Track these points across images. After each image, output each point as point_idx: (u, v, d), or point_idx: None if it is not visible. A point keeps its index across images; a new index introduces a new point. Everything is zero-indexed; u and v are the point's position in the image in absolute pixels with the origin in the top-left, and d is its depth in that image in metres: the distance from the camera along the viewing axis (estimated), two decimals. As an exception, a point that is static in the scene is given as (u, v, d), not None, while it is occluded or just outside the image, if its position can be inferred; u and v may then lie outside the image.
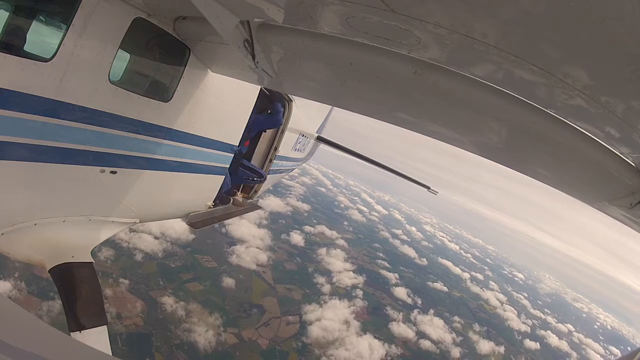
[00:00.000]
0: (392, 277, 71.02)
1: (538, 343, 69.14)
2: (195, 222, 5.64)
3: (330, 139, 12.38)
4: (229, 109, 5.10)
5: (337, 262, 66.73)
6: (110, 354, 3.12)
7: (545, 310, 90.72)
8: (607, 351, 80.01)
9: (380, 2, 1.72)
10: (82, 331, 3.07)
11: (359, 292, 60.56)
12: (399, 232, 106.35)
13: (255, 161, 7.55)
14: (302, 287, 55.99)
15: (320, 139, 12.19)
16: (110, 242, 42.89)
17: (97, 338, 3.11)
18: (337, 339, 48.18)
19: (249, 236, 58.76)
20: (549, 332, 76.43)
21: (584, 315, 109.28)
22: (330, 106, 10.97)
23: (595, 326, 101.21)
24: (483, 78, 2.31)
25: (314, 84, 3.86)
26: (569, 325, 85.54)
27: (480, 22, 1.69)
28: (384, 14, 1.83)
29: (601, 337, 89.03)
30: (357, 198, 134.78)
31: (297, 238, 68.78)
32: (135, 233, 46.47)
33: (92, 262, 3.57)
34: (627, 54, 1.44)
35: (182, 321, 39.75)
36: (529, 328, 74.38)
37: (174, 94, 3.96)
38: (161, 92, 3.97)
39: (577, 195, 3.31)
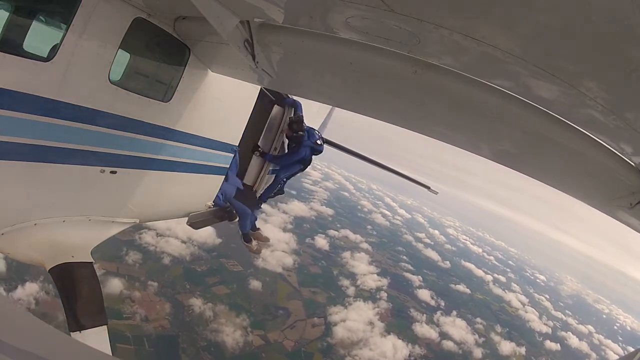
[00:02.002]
0: (416, 279, 71.83)
1: (559, 344, 69.85)
2: (196, 222, 5.64)
3: (330, 139, 12.35)
4: (229, 109, 5.09)
5: (361, 265, 67.67)
6: (110, 354, 3.12)
7: (567, 311, 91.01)
8: (625, 351, 79.92)
9: (380, 2, 1.72)
10: (82, 331, 3.06)
11: (383, 294, 61.50)
12: (422, 235, 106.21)
13: (255, 161, 7.56)
14: (327, 290, 56.88)
15: None
16: (137, 246, 45.20)
17: (97, 338, 3.11)
18: (362, 339, 49.12)
19: (274, 240, 59.58)
20: (569, 333, 76.91)
21: (604, 316, 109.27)
22: (331, 106, 10.97)
23: (615, 327, 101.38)
24: (483, 78, 2.31)
25: (314, 84, 3.85)
26: (590, 327, 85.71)
27: (480, 22, 1.69)
28: (384, 14, 1.82)
29: (620, 338, 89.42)
30: (380, 202, 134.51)
31: (321, 242, 69.86)
32: (162, 237, 47.76)
33: (92, 262, 3.57)
34: (630, 59, 1.45)
35: (209, 323, 40.45)
36: (550, 329, 74.90)
37: (174, 94, 3.96)
38: (161, 92, 3.96)
39: (577, 195, 3.31)
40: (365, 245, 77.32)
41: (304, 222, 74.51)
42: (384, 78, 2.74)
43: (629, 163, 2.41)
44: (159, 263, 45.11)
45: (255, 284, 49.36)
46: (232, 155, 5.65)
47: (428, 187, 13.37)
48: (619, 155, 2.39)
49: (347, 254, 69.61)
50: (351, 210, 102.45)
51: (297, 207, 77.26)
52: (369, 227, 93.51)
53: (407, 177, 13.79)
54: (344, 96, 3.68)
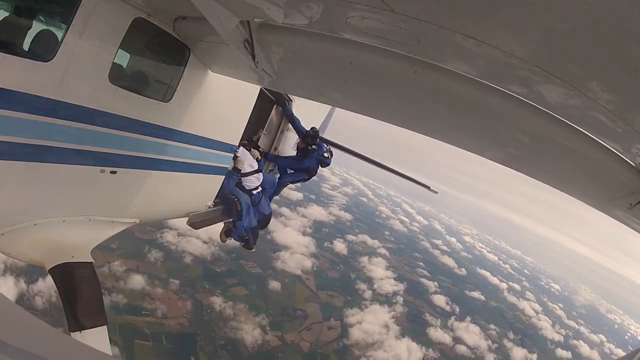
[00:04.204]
0: (432, 285, 72.91)
1: (570, 352, 70.76)
2: (196, 222, 5.64)
3: (330, 139, 12.35)
4: (229, 109, 5.09)
5: (378, 269, 68.88)
6: (110, 354, 3.13)
7: (580, 320, 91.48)
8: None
9: (380, 2, 1.72)
10: (82, 331, 3.06)
11: (399, 299, 62.70)
12: (439, 242, 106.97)
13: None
14: (344, 293, 57.93)
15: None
16: (159, 245, 46.50)
17: (97, 338, 3.11)
18: (377, 341, 50.20)
19: (293, 243, 61.84)
20: (581, 341, 77.68)
21: (616, 326, 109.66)
22: (331, 106, 10.98)
23: (626, 337, 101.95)
24: (483, 78, 2.31)
25: (314, 84, 3.85)
26: (601, 336, 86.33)
27: (480, 23, 1.69)
28: (384, 14, 1.82)
29: (631, 348, 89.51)
30: (399, 208, 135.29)
31: (340, 246, 71.21)
32: (183, 237, 48.88)
33: (92, 262, 3.57)
34: (630, 59, 1.45)
35: (227, 321, 41.29)
36: (562, 337, 75.79)
37: (174, 94, 3.96)
38: (161, 92, 3.96)
39: (576, 194, 3.31)
40: (382, 251, 78.41)
41: (323, 226, 75.90)
42: (384, 78, 2.74)
43: (629, 163, 2.41)
44: (180, 262, 45.98)
45: (274, 286, 50.35)
46: (232, 155, 5.64)
47: (428, 187, 13.38)
48: (619, 155, 2.38)
49: (364, 259, 70.75)
50: (369, 215, 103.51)
51: (316, 212, 79.01)
52: (386, 232, 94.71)
53: (407, 177, 13.79)
54: (344, 96, 3.68)
